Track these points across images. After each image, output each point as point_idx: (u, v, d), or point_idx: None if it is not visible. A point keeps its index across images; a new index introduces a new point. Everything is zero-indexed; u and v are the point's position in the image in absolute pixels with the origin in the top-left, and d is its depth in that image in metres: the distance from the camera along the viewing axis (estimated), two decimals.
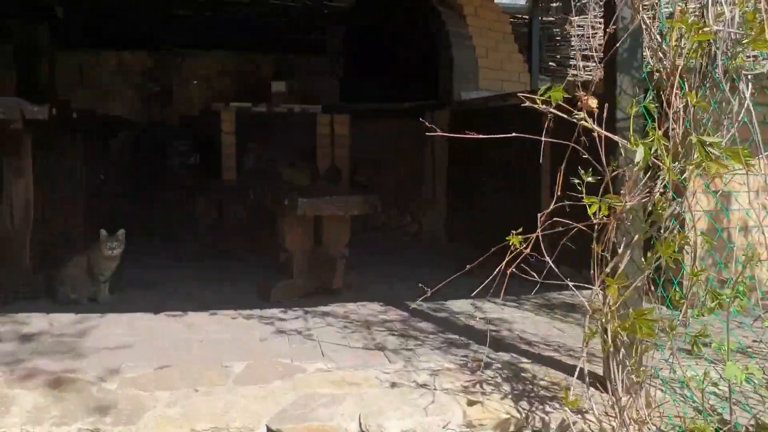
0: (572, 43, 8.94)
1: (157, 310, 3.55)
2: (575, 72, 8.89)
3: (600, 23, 8.93)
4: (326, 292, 3.85)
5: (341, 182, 6.29)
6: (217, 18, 7.37)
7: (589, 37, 8.88)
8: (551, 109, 1.97)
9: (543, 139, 2.08)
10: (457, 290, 4.25)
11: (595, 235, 2.17)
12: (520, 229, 2.20)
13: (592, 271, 2.21)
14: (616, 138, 2.11)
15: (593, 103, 1.95)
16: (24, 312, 3.41)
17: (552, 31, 8.90)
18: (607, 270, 2.12)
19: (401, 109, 6.19)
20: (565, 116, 2.03)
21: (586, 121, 1.99)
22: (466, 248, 5.43)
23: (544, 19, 8.59)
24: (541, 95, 1.98)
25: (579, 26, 8.94)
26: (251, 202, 3.99)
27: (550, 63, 8.77)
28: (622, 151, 2.13)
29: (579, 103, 2.00)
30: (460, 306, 3.71)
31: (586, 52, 8.86)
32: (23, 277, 3.61)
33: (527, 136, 2.19)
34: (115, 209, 5.85)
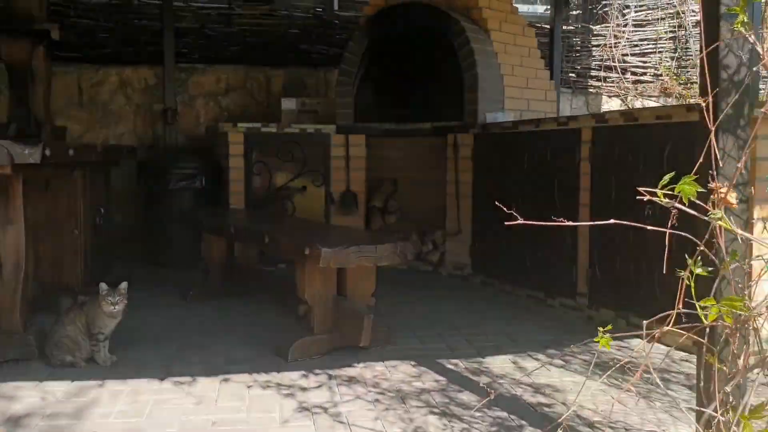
0: (593, 53, 8.55)
1: (163, 371, 3.18)
2: (597, 84, 8.49)
3: (623, 32, 8.56)
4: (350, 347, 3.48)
5: (357, 208, 5.90)
6: (225, 30, 7.00)
7: (611, 47, 8.51)
8: (677, 205, 1.55)
9: (668, 230, 1.62)
10: (494, 335, 3.93)
11: (705, 341, 1.76)
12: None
13: (700, 384, 1.80)
14: (757, 240, 1.68)
15: (733, 198, 1.55)
16: (13, 379, 3.04)
17: (572, 40, 8.51)
18: (728, 389, 1.72)
19: (422, 130, 5.81)
20: (696, 214, 1.59)
21: (725, 222, 1.57)
22: (495, 282, 5.06)
23: (564, 28, 8.19)
24: (664, 187, 1.56)
25: (600, 35, 8.57)
26: (266, 247, 3.60)
27: (570, 74, 8.39)
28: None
29: (713, 195, 1.59)
30: (500, 366, 3.33)
31: (608, 63, 8.48)
32: (13, 336, 3.23)
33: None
34: (117, 243, 5.48)
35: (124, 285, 3.28)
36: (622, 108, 8.37)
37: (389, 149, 6.38)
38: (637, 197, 1.58)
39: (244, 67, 6.90)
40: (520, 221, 1.72)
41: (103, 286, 3.22)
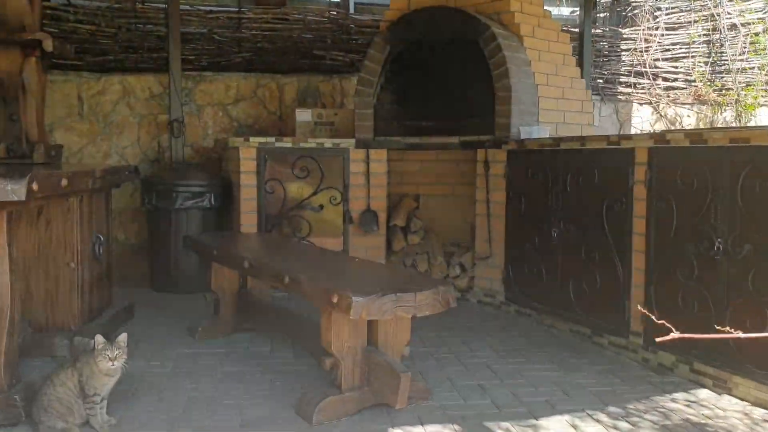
0: (623, 58, 8.09)
1: None
2: (627, 90, 8.03)
3: (653, 35, 8.08)
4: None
5: (378, 228, 5.46)
6: (235, 35, 6.56)
7: (641, 51, 8.04)
8: None
9: None
10: (543, 385, 3.47)
11: None
12: None
13: None
14: None
15: None
16: None
17: (599, 44, 8.04)
18: None
19: (449, 144, 5.36)
20: None
21: None
22: (532, 314, 4.60)
23: (592, 32, 7.72)
24: None
25: (629, 39, 8.10)
26: (285, 287, 3.15)
27: (598, 80, 7.92)
28: None
29: None
30: (558, 429, 2.88)
31: (638, 68, 8.01)
32: None
33: None
34: (117, 269, 5.04)
35: (123, 337, 2.84)
36: (655, 116, 7.91)
37: (411, 162, 5.95)
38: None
39: (255, 75, 6.45)
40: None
41: (100, 338, 2.79)
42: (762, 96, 7.77)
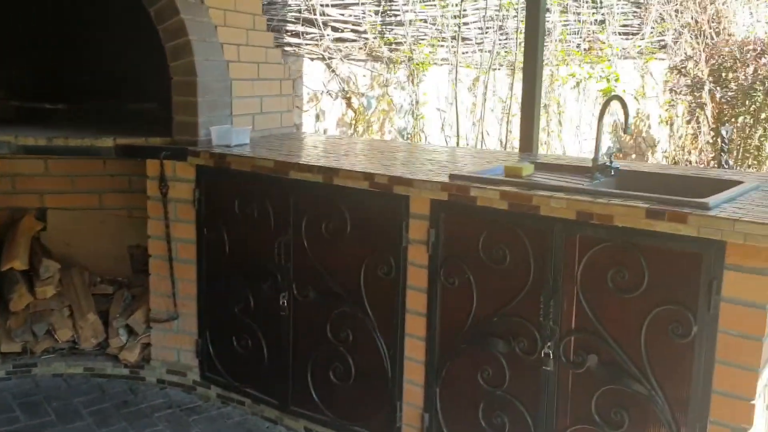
0: (289, 2, 6.78)
1: None
2: (297, 42, 6.82)
3: None
4: None
5: None
6: None
7: None
8: None
9: None
10: None
11: None
12: None
13: None
14: None
15: None
16: None
17: None
18: None
19: (98, 149, 3.47)
20: None
21: None
22: (247, 401, 3.13)
23: None
24: None
25: None
26: None
27: None
28: None
29: None
30: None
31: (306, 14, 6.84)
32: None
33: None
34: None
35: None
36: (329, 74, 6.84)
37: (30, 160, 3.92)
38: None
39: None
40: None
41: None
42: (433, 54, 7.24)
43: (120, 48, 3.91)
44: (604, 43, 8.38)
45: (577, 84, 8.22)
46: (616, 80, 7.98)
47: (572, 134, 8.29)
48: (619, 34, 8.60)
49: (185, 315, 3.45)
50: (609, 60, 8.28)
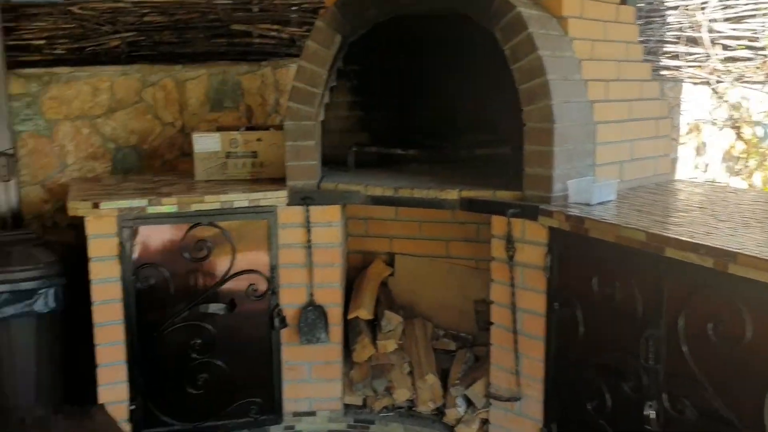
0: (667, 20, 5.93)
1: None
2: (676, 64, 5.91)
3: None
4: None
5: (327, 333, 3.38)
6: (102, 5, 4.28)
7: (694, 8, 5.87)
8: None
9: None
10: None
11: None
12: None
13: None
14: None
15: None
16: None
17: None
18: None
19: (443, 202, 3.19)
20: None
21: None
22: None
23: None
24: None
25: None
26: None
27: None
28: None
29: None
30: None
31: (689, 32, 5.88)
32: None
33: None
34: None
35: None
36: (715, 100, 5.79)
37: (379, 207, 3.85)
38: None
39: (140, 67, 4.20)
40: None
41: None
42: None
43: (473, 88, 3.62)
44: None
45: None
46: None
47: None
48: None
49: (528, 398, 2.97)
50: None
